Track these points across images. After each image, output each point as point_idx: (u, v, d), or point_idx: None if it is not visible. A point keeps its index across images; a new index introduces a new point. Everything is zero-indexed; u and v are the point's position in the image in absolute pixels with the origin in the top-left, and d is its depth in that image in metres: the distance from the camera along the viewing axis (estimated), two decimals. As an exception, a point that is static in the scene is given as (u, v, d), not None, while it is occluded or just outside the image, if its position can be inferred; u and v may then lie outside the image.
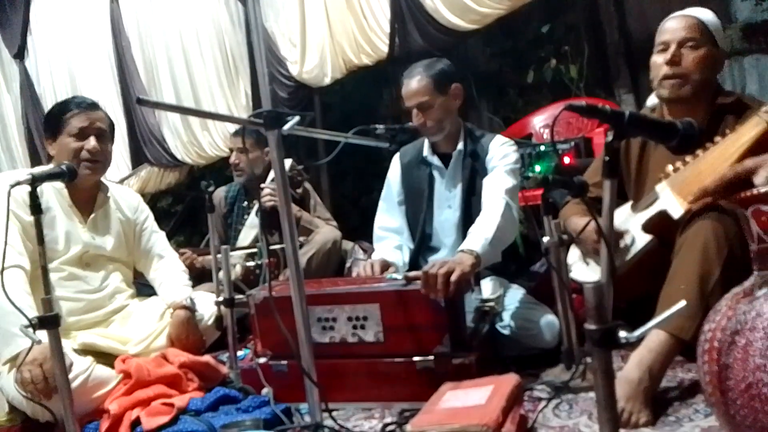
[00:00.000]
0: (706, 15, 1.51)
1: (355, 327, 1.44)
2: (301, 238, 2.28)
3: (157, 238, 1.93)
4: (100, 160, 1.72)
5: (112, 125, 1.80)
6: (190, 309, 1.73)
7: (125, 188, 2.05)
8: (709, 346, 0.94)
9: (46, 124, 1.76)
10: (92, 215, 1.76)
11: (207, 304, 1.82)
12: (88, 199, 1.77)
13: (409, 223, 1.88)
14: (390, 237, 1.88)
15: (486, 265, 1.54)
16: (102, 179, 1.82)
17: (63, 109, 1.72)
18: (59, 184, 1.67)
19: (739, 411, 0.88)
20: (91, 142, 1.69)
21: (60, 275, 1.65)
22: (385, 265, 1.72)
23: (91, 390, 1.46)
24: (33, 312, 1.38)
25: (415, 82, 1.73)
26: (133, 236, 1.88)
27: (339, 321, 1.45)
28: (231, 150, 2.65)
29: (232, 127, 3.73)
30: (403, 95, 1.76)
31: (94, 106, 1.76)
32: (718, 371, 0.91)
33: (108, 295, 1.75)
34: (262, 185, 2.35)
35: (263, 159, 2.45)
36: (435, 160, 1.82)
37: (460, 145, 1.78)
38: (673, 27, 1.50)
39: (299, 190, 2.43)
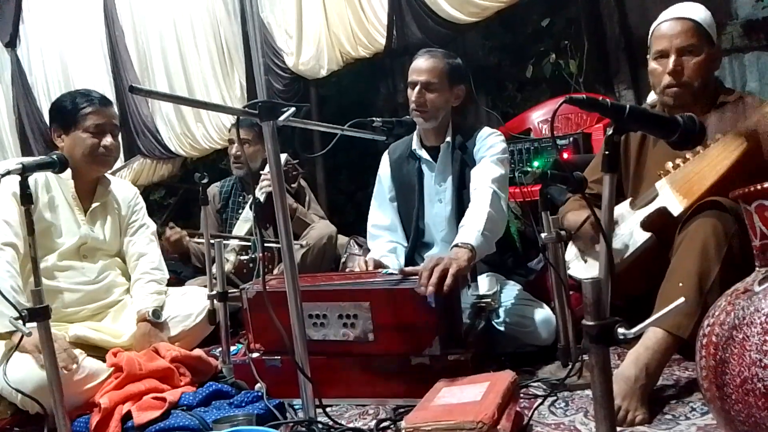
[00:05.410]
0: (699, 13, 1.46)
1: (345, 325, 1.41)
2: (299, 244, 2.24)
3: (142, 235, 1.87)
4: (115, 156, 1.79)
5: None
6: (152, 322, 1.69)
7: (123, 181, 2.04)
8: (707, 341, 0.93)
9: (58, 117, 1.74)
10: (92, 207, 1.77)
11: (199, 300, 1.80)
12: (89, 191, 1.79)
13: (401, 219, 1.86)
14: (383, 235, 1.86)
15: (481, 257, 1.53)
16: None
17: (76, 104, 1.72)
18: (65, 175, 1.67)
19: (734, 406, 0.87)
20: (108, 139, 1.73)
21: (58, 265, 1.66)
22: (379, 266, 1.69)
23: (80, 382, 1.45)
24: (17, 294, 1.46)
25: (433, 61, 1.72)
26: (122, 230, 1.87)
27: (330, 318, 1.42)
28: (231, 141, 2.62)
29: (227, 120, 3.70)
30: (413, 68, 1.74)
31: (106, 101, 1.77)
32: (715, 366, 0.90)
33: (104, 287, 1.75)
34: (261, 172, 2.33)
35: (262, 153, 2.42)
36: (423, 154, 1.81)
37: (448, 138, 1.77)
38: (669, 33, 1.45)
39: (294, 185, 2.40)
